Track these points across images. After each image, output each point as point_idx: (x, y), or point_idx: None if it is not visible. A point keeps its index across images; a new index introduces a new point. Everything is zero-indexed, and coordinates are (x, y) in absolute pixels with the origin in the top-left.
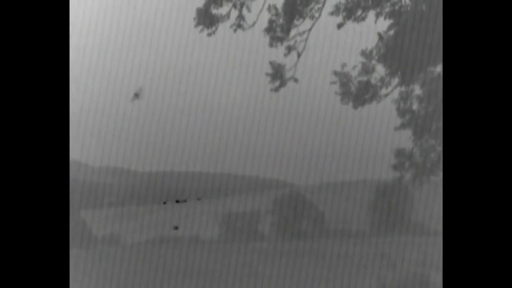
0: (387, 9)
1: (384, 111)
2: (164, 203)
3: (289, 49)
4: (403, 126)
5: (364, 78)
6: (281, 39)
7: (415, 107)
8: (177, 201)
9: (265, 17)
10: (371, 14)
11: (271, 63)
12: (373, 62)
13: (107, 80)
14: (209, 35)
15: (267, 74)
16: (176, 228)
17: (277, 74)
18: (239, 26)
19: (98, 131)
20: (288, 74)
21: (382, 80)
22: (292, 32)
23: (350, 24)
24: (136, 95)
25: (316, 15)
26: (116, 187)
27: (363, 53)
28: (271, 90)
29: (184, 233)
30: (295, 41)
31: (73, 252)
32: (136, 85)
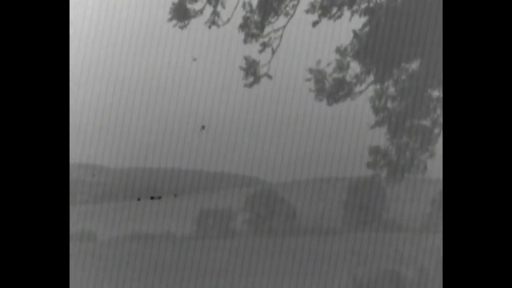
0: (363, 7)
1: (358, 108)
2: (138, 199)
3: (264, 46)
4: (377, 124)
5: (339, 76)
6: (256, 36)
7: (389, 104)
8: (152, 198)
9: (240, 13)
10: (346, 12)
11: (245, 58)
12: (348, 59)
13: (80, 73)
14: (181, 28)
15: (240, 68)
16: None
17: (251, 70)
18: (213, 22)
19: (75, 128)
20: (262, 71)
21: (357, 77)
22: (267, 29)
23: (325, 22)
24: (203, 127)
25: (291, 12)
26: (88, 184)
27: (338, 50)
28: (245, 86)
29: (157, 230)
30: (270, 38)
31: None
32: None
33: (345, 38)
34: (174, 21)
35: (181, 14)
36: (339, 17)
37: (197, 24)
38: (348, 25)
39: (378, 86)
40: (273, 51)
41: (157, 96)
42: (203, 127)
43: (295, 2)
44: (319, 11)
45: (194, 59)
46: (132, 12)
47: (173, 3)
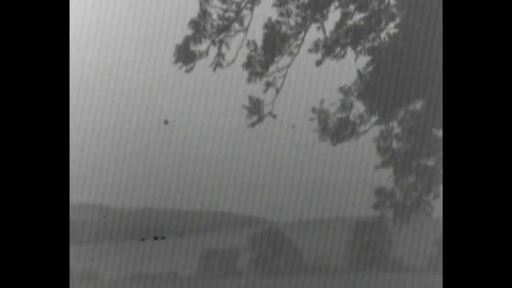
0: (366, 46)
1: (363, 148)
2: (142, 239)
3: (268, 85)
4: (383, 164)
5: (343, 115)
6: (260, 75)
7: (394, 144)
8: (156, 238)
9: (244, 53)
10: (350, 51)
11: (249, 97)
12: (352, 98)
13: (89, 109)
14: (187, 71)
15: (244, 107)
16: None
17: (255, 109)
18: (218, 64)
19: (77, 169)
20: (266, 110)
21: (360, 116)
22: (271, 68)
23: (329, 61)
24: (166, 122)
25: (295, 51)
26: (94, 224)
27: (342, 90)
28: (248, 125)
29: (163, 270)
30: (274, 77)
31: None
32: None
33: (348, 77)
34: (179, 64)
35: (186, 56)
36: (343, 56)
37: (202, 65)
38: (352, 64)
39: (382, 126)
40: (277, 91)
41: (163, 137)
42: (166, 122)
43: (299, 42)
44: (323, 51)
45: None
46: (139, 55)
47: (177, 46)
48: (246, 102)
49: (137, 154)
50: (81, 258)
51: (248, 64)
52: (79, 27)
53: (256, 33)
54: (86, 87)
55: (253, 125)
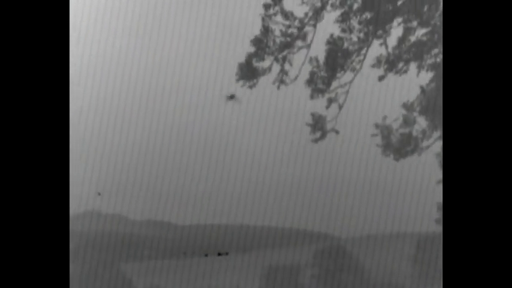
0: (429, 62)
1: (425, 164)
2: (206, 255)
3: (330, 101)
4: None
5: (406, 131)
6: (322, 91)
7: None
8: (219, 254)
9: (307, 69)
10: (412, 67)
11: (312, 114)
12: (415, 114)
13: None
14: (250, 87)
15: (307, 124)
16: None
17: (318, 125)
18: (281, 81)
19: (139, 187)
20: (329, 126)
21: (423, 132)
22: (334, 84)
23: (391, 77)
24: (232, 96)
25: (358, 67)
26: (156, 240)
27: (404, 105)
28: (312, 141)
29: (225, 285)
30: (336, 93)
31: None
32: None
33: (411, 93)
34: (242, 81)
35: (249, 73)
36: (405, 71)
37: (265, 82)
38: (415, 80)
39: None
40: (340, 107)
41: (226, 154)
42: (232, 96)
43: (362, 57)
44: (385, 66)
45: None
46: (198, 74)
47: (239, 63)
48: (309, 118)
49: (199, 170)
50: (143, 275)
51: (311, 81)
52: (124, 53)
53: (319, 50)
54: (145, 110)
55: (316, 141)
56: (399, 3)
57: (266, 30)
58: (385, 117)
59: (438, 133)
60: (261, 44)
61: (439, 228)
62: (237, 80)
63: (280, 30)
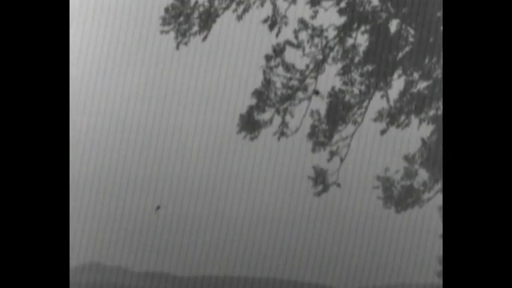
0: (430, 114)
1: (427, 216)
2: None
3: (332, 154)
4: None
5: (407, 183)
6: (324, 144)
7: None
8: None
9: (308, 122)
10: (414, 120)
11: (314, 167)
12: (416, 166)
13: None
14: (251, 139)
15: (309, 178)
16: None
17: (320, 179)
18: (282, 133)
19: (138, 237)
20: (331, 179)
21: (424, 184)
22: (335, 137)
23: (393, 130)
24: (158, 208)
25: (359, 120)
26: None
27: (406, 158)
28: (314, 194)
29: None
30: (338, 146)
31: None
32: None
33: (412, 145)
34: (243, 133)
35: (250, 125)
36: (407, 125)
37: (266, 135)
38: (416, 133)
39: None
40: (341, 160)
41: (225, 207)
42: (158, 207)
43: (363, 110)
44: (387, 119)
45: (157, 208)
46: (200, 121)
47: (241, 115)
48: (310, 171)
49: (198, 222)
50: None
51: (312, 133)
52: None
53: (320, 102)
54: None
55: (318, 194)
56: (400, 55)
57: (267, 82)
58: (386, 170)
59: (439, 185)
60: (262, 96)
61: (441, 281)
62: (238, 132)
63: (282, 83)
